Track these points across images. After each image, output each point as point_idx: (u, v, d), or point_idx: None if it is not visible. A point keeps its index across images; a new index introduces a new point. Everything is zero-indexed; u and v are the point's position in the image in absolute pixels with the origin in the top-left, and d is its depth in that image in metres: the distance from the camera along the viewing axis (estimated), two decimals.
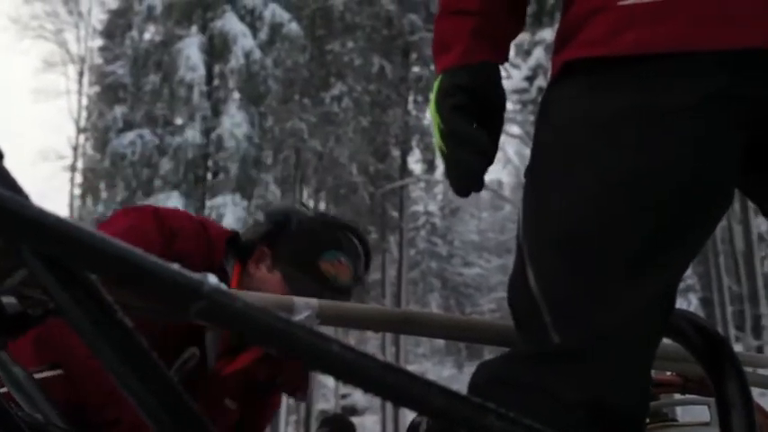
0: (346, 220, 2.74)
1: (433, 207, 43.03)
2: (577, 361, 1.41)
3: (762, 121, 1.44)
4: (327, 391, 34.53)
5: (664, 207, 1.40)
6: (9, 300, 1.02)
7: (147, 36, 28.92)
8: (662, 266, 1.43)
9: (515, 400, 1.40)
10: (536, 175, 1.57)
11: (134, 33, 29.05)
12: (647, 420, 2.33)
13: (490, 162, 1.66)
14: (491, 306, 44.16)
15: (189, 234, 2.43)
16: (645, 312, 1.43)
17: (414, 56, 32.89)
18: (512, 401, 1.40)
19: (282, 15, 27.67)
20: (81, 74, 43.27)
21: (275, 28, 27.63)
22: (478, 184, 1.66)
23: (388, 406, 28.85)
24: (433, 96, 1.69)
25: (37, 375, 2.07)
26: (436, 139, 1.69)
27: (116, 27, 34.98)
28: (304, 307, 1.68)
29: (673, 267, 1.47)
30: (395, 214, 32.98)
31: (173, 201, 24.82)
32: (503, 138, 1.75)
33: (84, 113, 41.72)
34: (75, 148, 42.77)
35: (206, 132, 26.43)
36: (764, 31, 1.39)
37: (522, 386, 1.44)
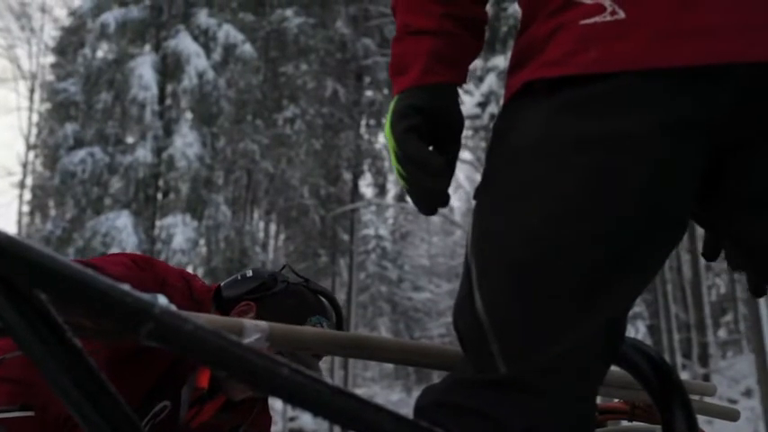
0: (324, 287, 2.84)
1: (383, 231, 43.00)
2: (523, 391, 1.40)
3: (722, 141, 1.42)
4: (275, 414, 34.27)
5: (615, 236, 1.38)
6: None
7: (99, 54, 28.64)
8: (611, 297, 1.41)
9: (459, 424, 1.40)
10: (488, 197, 1.53)
11: (87, 51, 28.77)
12: None
13: (447, 182, 1.61)
14: (440, 331, 44.17)
15: (175, 285, 2.51)
16: (593, 343, 1.42)
17: (367, 80, 33.04)
18: (456, 426, 1.40)
19: (236, 36, 27.61)
20: (32, 90, 43.02)
21: (229, 49, 27.56)
22: (442, 201, 1.61)
23: (336, 429, 28.73)
24: (387, 118, 1.64)
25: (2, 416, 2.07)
26: (393, 162, 1.63)
27: (68, 44, 34.76)
28: (254, 330, 1.66)
29: (622, 297, 1.45)
30: (345, 237, 32.98)
31: (122, 219, 24.63)
32: None
33: (34, 130, 41.47)
34: (24, 165, 42.45)
35: (157, 152, 26.25)
36: (730, 45, 1.37)
37: (467, 411, 1.42)
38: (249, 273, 2.69)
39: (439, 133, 1.63)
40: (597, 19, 1.44)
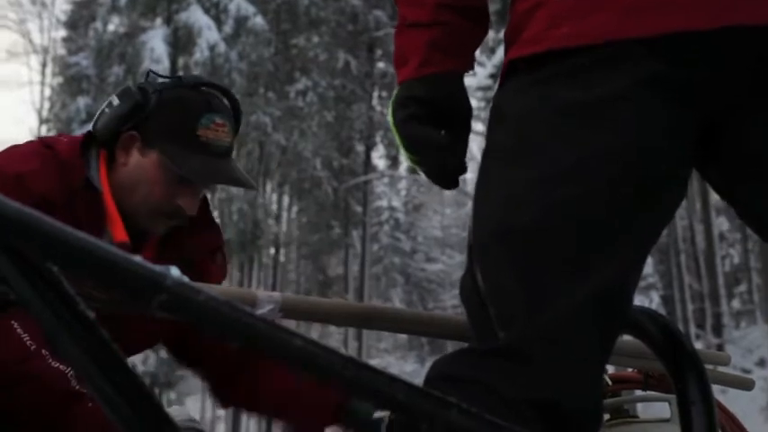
0: (203, 77, 2.58)
1: (396, 202, 43.05)
2: (521, 359, 1.39)
3: (708, 104, 1.45)
4: None
5: (604, 197, 1.40)
6: None
7: (111, 27, 28.60)
8: (605, 261, 1.40)
9: (462, 395, 1.40)
10: (483, 171, 1.57)
11: (98, 24, 28.77)
12: (608, 417, 2.34)
13: (456, 154, 1.68)
14: (453, 302, 44.15)
15: (36, 170, 2.18)
16: (589, 310, 1.40)
17: (379, 52, 33.01)
18: (459, 397, 1.40)
19: (248, 9, 27.55)
20: (44, 64, 43.05)
21: (240, 21, 27.50)
22: (457, 171, 1.68)
23: None
24: (389, 110, 1.71)
25: None
26: (403, 153, 1.70)
27: (80, 18, 34.77)
28: (267, 301, 1.67)
29: (618, 262, 1.43)
30: (358, 209, 33.05)
31: None
32: None
33: (46, 104, 41.47)
34: None
35: None
36: (696, 14, 1.39)
37: (468, 383, 1.42)
38: (115, 100, 2.34)
39: (445, 120, 1.69)
40: None
